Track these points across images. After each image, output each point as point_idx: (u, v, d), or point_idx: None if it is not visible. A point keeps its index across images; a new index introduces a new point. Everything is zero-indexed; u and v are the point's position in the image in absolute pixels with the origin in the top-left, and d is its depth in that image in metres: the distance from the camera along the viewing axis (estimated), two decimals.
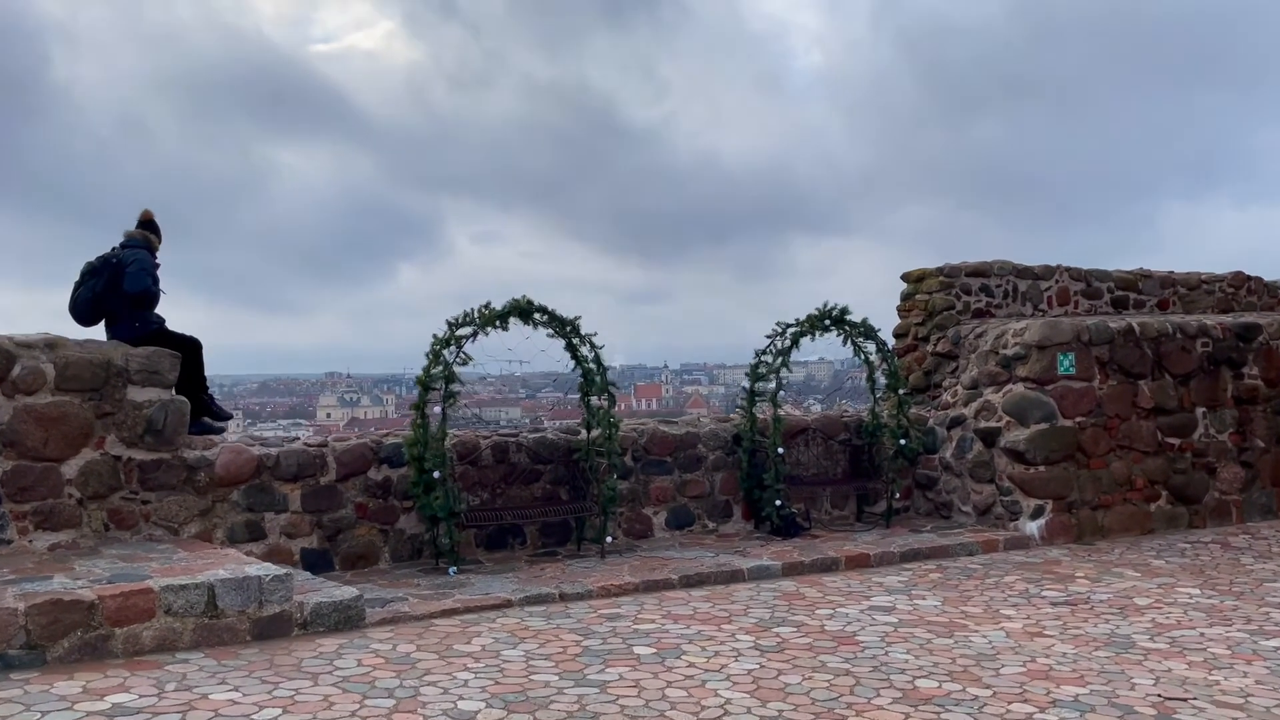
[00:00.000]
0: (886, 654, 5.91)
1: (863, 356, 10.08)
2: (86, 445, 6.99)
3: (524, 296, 8.37)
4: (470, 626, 6.44)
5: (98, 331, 7.64)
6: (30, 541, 6.75)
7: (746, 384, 9.73)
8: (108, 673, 5.31)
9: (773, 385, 9.51)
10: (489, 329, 8.19)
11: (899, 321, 11.35)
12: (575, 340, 8.61)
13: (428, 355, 8.08)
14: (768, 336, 9.72)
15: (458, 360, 8.02)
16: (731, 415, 10.15)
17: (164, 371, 7.30)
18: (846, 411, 10.88)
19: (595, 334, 8.61)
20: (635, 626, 6.47)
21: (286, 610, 6.11)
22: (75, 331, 7.48)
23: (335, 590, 6.52)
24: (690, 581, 7.67)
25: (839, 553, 8.48)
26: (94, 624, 5.48)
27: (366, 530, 8.12)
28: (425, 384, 8.02)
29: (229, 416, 8.16)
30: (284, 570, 6.21)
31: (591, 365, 8.66)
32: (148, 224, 7.87)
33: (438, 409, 7.96)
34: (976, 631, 6.41)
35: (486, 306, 8.26)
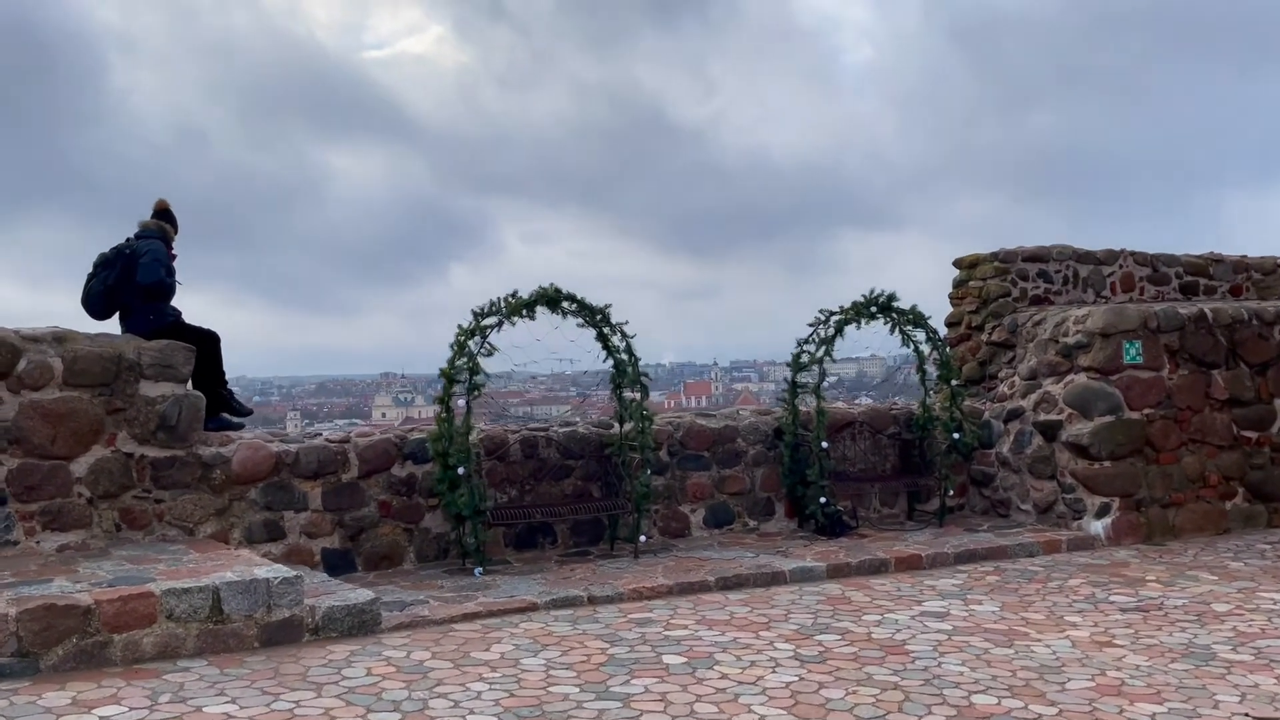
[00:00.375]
0: (939, 665, 5.41)
1: (912, 346, 9.53)
2: (96, 442, 6.73)
3: (551, 285, 7.98)
4: (491, 632, 6.06)
5: (112, 325, 7.39)
6: (38, 543, 6.50)
7: (788, 375, 9.25)
8: (102, 683, 5.01)
9: (816, 376, 9.02)
10: (515, 319, 7.81)
11: (951, 310, 10.78)
12: (605, 329, 8.20)
13: (452, 346, 7.73)
14: (810, 325, 9.24)
15: (483, 351, 7.65)
16: (774, 408, 9.67)
17: (178, 365, 7.03)
18: (896, 404, 10.34)
19: (626, 322, 8.20)
20: (666, 633, 6.04)
21: (297, 615, 5.78)
22: (92, 327, 7.24)
23: (350, 593, 6.18)
24: (727, 584, 7.22)
25: (888, 554, 7.97)
26: (90, 630, 5.19)
27: (390, 529, 7.78)
28: (450, 376, 7.66)
29: (249, 412, 7.88)
30: (294, 572, 5.88)
31: (623, 356, 8.24)
32: (163, 213, 7.61)
33: (462, 402, 7.60)
34: (1039, 641, 5.88)
35: (513, 295, 7.88)
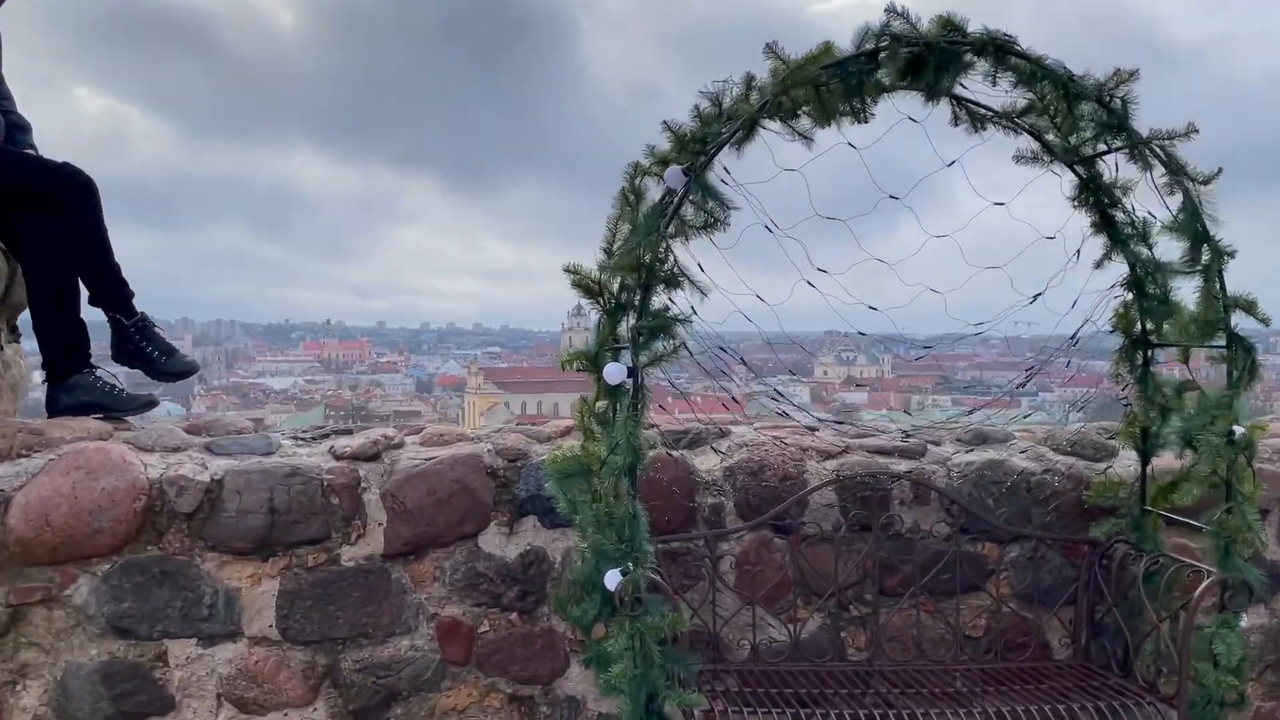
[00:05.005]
0: None
1: None
2: None
3: (899, 5, 2.51)
4: None
5: None
6: None
7: None
8: None
9: None
10: (792, 121, 2.51)
11: None
12: (1092, 174, 2.66)
13: (608, 229, 2.62)
14: None
15: (671, 230, 2.46)
16: None
17: None
18: None
19: (1176, 137, 2.56)
20: None
21: None
22: None
23: None
24: None
25: None
26: None
27: (468, 696, 2.95)
28: (608, 301, 2.56)
29: (183, 371, 3.32)
30: None
31: (1145, 248, 2.66)
32: None
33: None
34: None
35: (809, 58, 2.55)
